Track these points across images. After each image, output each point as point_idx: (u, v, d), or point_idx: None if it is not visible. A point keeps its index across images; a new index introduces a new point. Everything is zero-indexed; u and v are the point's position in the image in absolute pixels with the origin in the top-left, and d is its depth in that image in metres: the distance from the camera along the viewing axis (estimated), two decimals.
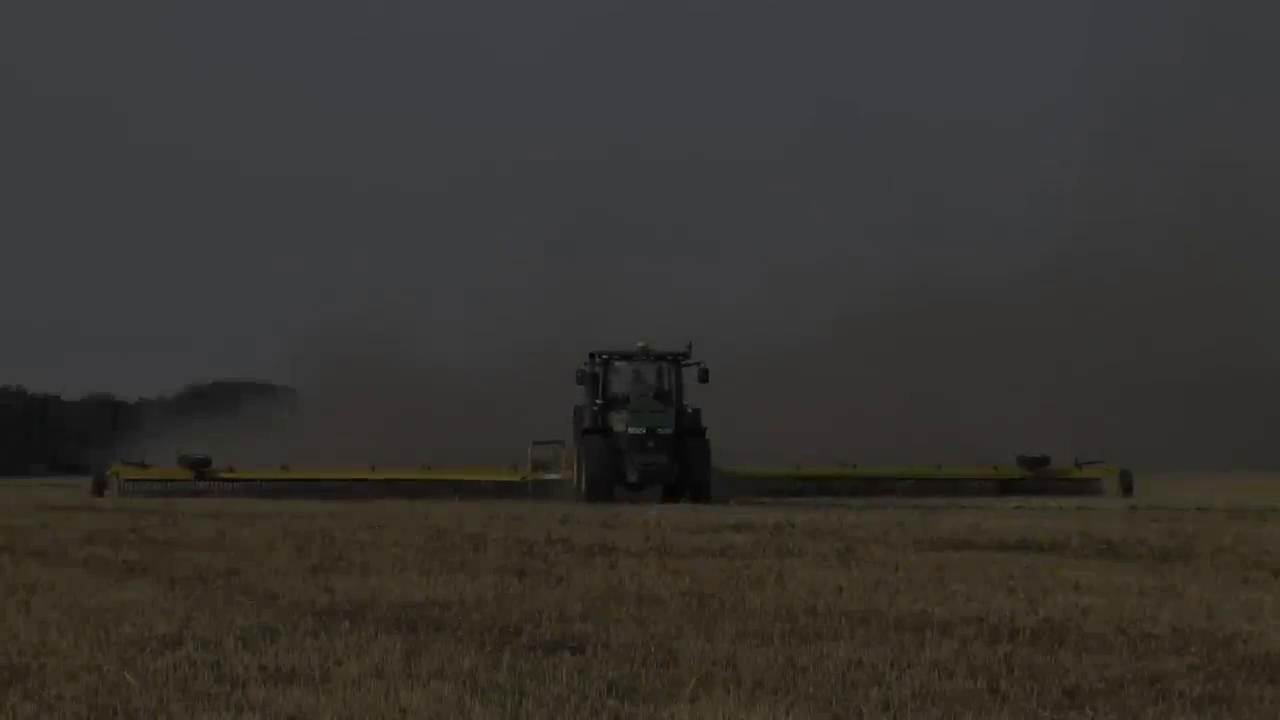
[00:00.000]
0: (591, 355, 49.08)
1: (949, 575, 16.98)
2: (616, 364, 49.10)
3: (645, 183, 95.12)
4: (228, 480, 51.79)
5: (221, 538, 24.90)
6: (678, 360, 48.86)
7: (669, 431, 46.70)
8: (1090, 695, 9.84)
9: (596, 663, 11.03)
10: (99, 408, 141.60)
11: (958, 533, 24.36)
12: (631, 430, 46.63)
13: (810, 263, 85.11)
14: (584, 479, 46.94)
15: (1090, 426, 60.70)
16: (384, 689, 10.01)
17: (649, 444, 46.41)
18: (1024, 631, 12.44)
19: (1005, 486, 50.57)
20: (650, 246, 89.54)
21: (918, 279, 77.62)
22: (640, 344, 49.15)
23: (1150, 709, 9.45)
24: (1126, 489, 49.89)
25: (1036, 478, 51.57)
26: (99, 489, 52.57)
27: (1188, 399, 71.81)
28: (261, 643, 12.05)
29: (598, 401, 48.28)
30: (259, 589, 16.24)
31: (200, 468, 52.32)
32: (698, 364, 48.18)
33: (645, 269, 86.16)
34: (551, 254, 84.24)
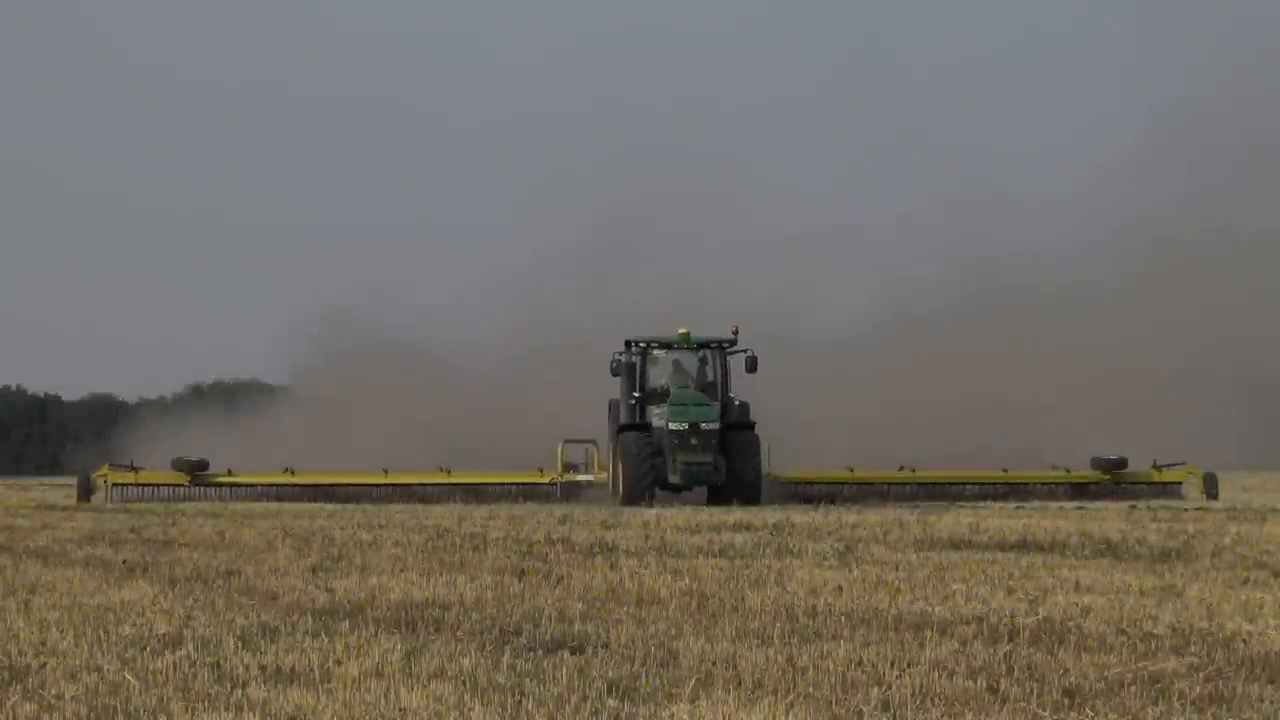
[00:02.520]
0: (627, 344, 45.03)
1: (949, 575, 16.98)
2: (655, 353, 45.01)
3: (674, 164, 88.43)
4: (226, 485, 48.14)
5: (221, 537, 24.91)
6: (722, 347, 44.87)
7: (714, 427, 42.65)
8: (1090, 695, 9.84)
9: (596, 663, 11.04)
10: (99, 408, 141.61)
11: (958, 533, 24.36)
12: (672, 426, 42.49)
13: (855, 246, 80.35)
14: (621, 480, 43.04)
15: (1168, 425, 56.17)
16: (384, 689, 10.02)
17: (692, 441, 42.35)
18: (1024, 631, 12.44)
19: (1078, 490, 47.35)
20: (682, 229, 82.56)
21: (973, 265, 72.14)
22: (681, 330, 45.03)
23: (1150, 709, 9.45)
24: (1211, 492, 46.44)
25: (1113, 481, 48.06)
26: (85, 494, 48.50)
27: (1270, 395, 66.14)
28: (261, 643, 12.06)
29: (635, 395, 44.33)
30: (259, 589, 16.25)
31: (196, 471, 48.65)
32: (745, 351, 44.24)
33: (677, 253, 78.08)
34: (577, 236, 78.10)
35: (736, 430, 43.42)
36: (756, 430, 43.95)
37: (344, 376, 68.81)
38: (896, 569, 17.88)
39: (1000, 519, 29.48)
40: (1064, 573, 17.23)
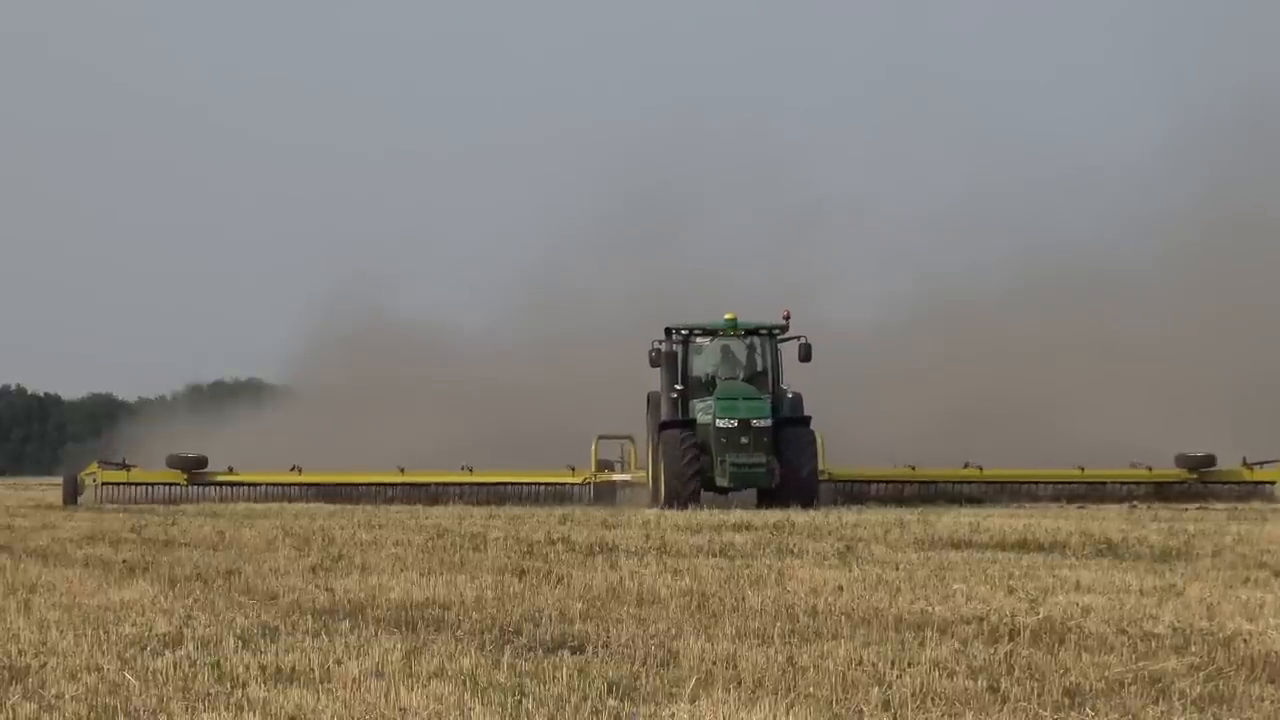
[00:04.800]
0: (668, 331, 41.09)
1: (949, 575, 16.98)
2: (698, 341, 41.12)
3: (713, 144, 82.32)
4: (227, 484, 44.88)
5: (221, 537, 24.91)
6: (773, 334, 41.02)
7: (767, 423, 38.86)
8: (1090, 695, 9.85)
9: (596, 663, 11.04)
10: (99, 407, 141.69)
11: (958, 532, 24.36)
12: (720, 423, 38.71)
13: (909, 229, 74.15)
14: (663, 481, 39.18)
15: (1256, 420, 51.17)
16: (384, 689, 10.02)
17: (742, 439, 38.61)
18: (1024, 631, 12.44)
19: (1161, 490, 43.63)
20: (722, 209, 76.19)
21: (1038, 248, 66.28)
22: (727, 316, 41.22)
23: (1150, 709, 9.45)
24: None
25: (1199, 480, 44.20)
26: (72, 495, 44.63)
27: None
28: (261, 642, 12.06)
29: (677, 387, 40.47)
30: (259, 589, 16.25)
31: (193, 469, 44.76)
32: (798, 339, 40.42)
33: (718, 234, 72.44)
34: (608, 218, 70.49)
35: (790, 426, 39.61)
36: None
37: (352, 371, 64.25)
38: (897, 569, 17.88)
39: (1001, 519, 29.46)
40: (1064, 572, 17.23)
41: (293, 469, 45.01)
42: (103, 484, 44.71)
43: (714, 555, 20.31)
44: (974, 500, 41.77)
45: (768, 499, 38.70)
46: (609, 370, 50.87)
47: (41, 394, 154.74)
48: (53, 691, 10.19)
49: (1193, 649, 11.49)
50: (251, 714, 9.46)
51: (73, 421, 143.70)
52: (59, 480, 49.14)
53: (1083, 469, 44.42)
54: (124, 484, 44.90)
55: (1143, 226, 66.86)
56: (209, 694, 10.07)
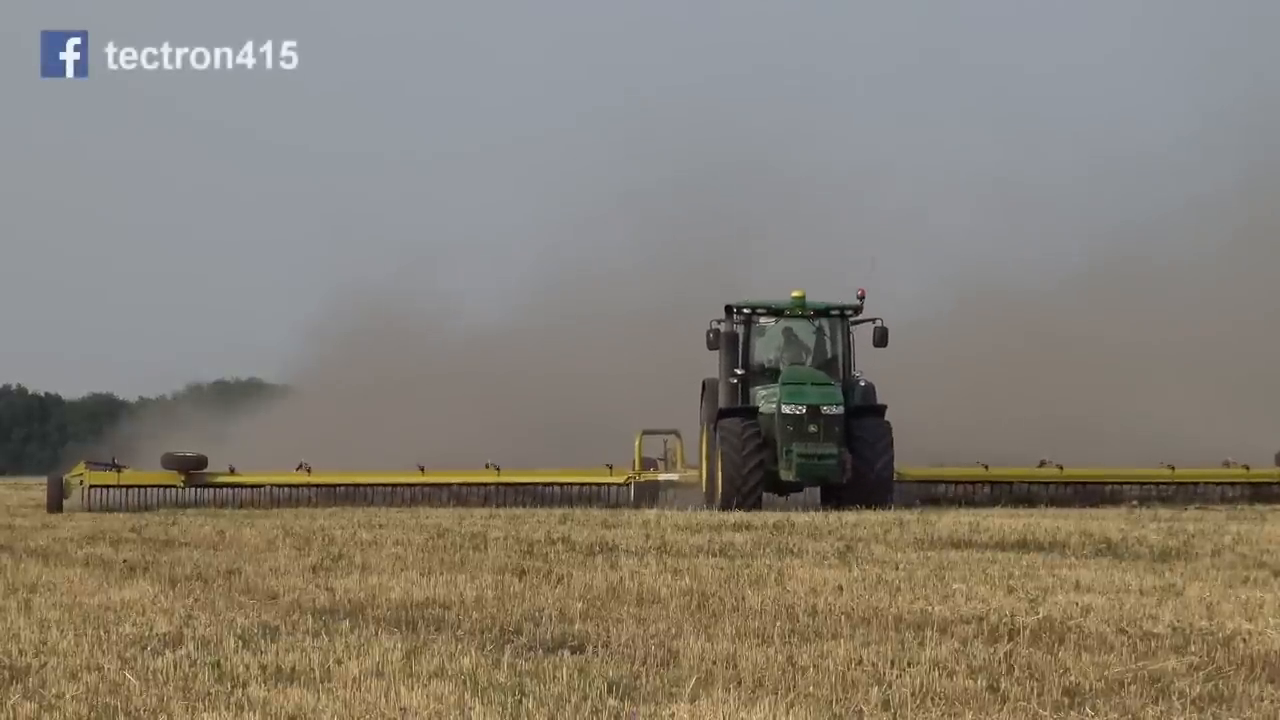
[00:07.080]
0: (729, 310, 36.95)
1: (949, 574, 16.98)
2: (762, 322, 37.18)
3: (756, 120, 79.48)
4: (228, 486, 41.27)
5: (222, 537, 24.92)
6: (845, 315, 37.13)
7: (839, 411, 34.94)
8: (1090, 695, 9.86)
9: (597, 662, 11.05)
10: (99, 407, 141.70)
11: (958, 532, 24.36)
12: (786, 409, 34.80)
13: (957, 214, 69.99)
14: (721, 477, 35.11)
15: None
16: (384, 689, 10.03)
17: (810, 428, 34.71)
18: (1024, 631, 12.45)
19: (1259, 491, 40.18)
20: (757, 189, 69.66)
21: (1100, 235, 62.38)
22: (794, 294, 37.19)
23: (1150, 709, 9.46)
24: None
25: None
26: (56, 501, 39.48)
27: None
28: (262, 642, 12.07)
29: (737, 371, 36.48)
30: (259, 588, 16.27)
31: (192, 470, 41.10)
32: (873, 321, 36.67)
33: (763, 215, 66.82)
34: (639, 195, 65.54)
35: (864, 416, 35.91)
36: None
37: (363, 364, 59.47)
38: (896, 568, 17.88)
39: (1001, 518, 29.45)
40: (1064, 572, 17.24)
41: (300, 468, 41.61)
42: (91, 487, 40.64)
43: (714, 555, 20.31)
44: (1053, 502, 39.03)
45: (835, 498, 35.40)
46: (643, 359, 48.68)
47: (42, 394, 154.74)
48: (53, 691, 10.20)
49: (1192, 649, 11.50)
50: (251, 714, 9.48)
51: (73, 421, 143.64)
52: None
53: (1173, 468, 41.23)
54: (114, 487, 41.04)
55: (1206, 213, 61.94)
56: (209, 694, 10.08)
